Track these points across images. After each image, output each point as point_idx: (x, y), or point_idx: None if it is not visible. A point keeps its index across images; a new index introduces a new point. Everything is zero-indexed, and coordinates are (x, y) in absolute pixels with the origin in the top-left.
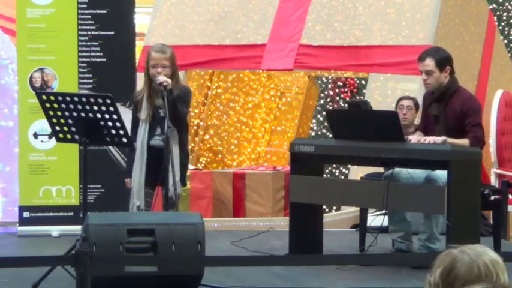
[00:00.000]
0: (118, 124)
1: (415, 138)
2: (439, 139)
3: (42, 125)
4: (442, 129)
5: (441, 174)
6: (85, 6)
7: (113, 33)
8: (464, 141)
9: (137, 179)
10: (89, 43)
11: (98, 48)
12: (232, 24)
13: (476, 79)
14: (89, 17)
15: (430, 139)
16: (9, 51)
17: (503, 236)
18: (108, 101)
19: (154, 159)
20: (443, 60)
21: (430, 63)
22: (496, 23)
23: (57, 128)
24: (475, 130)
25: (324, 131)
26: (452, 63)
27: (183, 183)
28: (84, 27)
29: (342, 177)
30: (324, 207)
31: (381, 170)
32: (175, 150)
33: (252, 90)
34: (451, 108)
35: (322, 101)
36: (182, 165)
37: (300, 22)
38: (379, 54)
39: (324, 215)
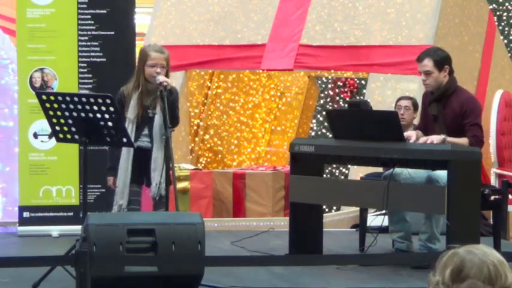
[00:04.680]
0: (118, 124)
1: (413, 133)
2: (438, 138)
3: (42, 125)
4: (442, 128)
5: (442, 175)
6: (85, 6)
7: (113, 33)
8: (464, 141)
9: (122, 179)
10: (89, 43)
11: (98, 48)
12: (232, 24)
13: (476, 79)
14: (89, 17)
15: (430, 139)
16: (9, 51)
17: (503, 236)
18: (108, 101)
19: (140, 159)
20: (442, 60)
21: (428, 63)
22: (496, 23)
23: (57, 128)
24: (474, 130)
25: (324, 131)
26: (451, 63)
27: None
28: (84, 27)
29: (342, 177)
30: (324, 207)
31: (380, 170)
32: (162, 152)
33: (252, 90)
34: (450, 108)
35: (322, 101)
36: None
37: (300, 22)
38: (379, 54)
39: (324, 215)
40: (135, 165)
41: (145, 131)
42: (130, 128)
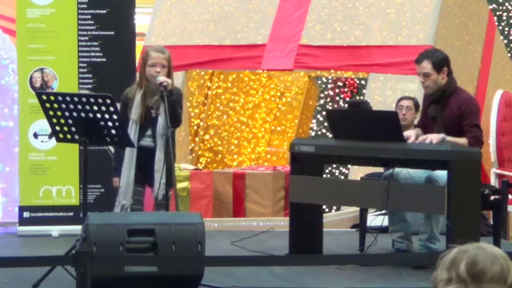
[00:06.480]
0: (118, 124)
1: (413, 133)
2: (437, 136)
3: (42, 125)
4: (440, 130)
5: (442, 175)
6: (85, 6)
7: (113, 33)
8: (463, 140)
9: (125, 179)
10: (89, 43)
11: (98, 48)
12: (232, 24)
13: (476, 79)
14: (89, 17)
15: (429, 138)
16: (9, 51)
17: (503, 236)
18: (108, 101)
19: (143, 159)
20: (441, 62)
21: (427, 65)
22: (496, 23)
23: (57, 128)
24: (474, 130)
25: (324, 131)
26: (449, 64)
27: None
28: (84, 27)
29: (342, 177)
30: (324, 207)
31: (380, 170)
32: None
33: (252, 90)
34: (448, 109)
35: (322, 101)
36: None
37: (300, 22)
38: (379, 54)
39: (324, 215)
40: (138, 166)
41: (149, 132)
42: (133, 128)
